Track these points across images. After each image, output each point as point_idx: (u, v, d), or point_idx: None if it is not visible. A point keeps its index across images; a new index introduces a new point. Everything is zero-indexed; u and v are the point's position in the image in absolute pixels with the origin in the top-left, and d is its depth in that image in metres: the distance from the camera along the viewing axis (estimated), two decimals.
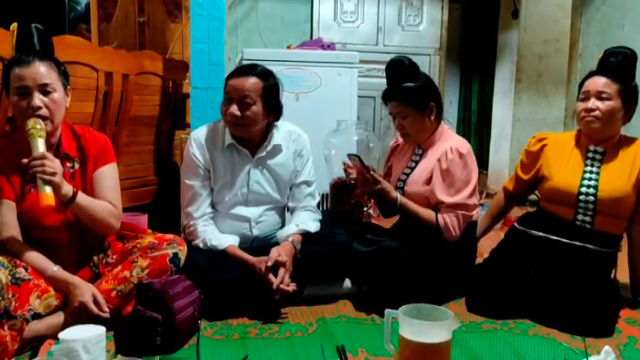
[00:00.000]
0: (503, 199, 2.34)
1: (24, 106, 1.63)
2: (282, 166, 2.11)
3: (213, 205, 2.08)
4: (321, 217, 2.19)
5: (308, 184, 2.19)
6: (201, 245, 1.98)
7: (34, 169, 1.54)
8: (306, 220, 2.09)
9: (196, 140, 2.06)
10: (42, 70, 1.64)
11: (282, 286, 1.84)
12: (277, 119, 2.09)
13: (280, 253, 1.89)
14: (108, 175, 1.82)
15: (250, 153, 2.07)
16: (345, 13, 5.19)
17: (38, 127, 1.60)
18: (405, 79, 2.05)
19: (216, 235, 2.00)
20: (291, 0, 5.04)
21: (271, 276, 1.85)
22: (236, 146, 2.05)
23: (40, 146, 1.58)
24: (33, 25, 1.69)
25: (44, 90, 1.64)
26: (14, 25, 1.67)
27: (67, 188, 1.63)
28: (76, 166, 1.78)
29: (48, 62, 1.68)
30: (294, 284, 1.87)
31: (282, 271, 1.86)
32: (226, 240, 1.99)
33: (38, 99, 1.62)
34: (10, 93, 1.66)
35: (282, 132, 2.12)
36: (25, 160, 1.56)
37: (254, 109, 1.96)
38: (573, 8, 4.57)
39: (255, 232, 2.09)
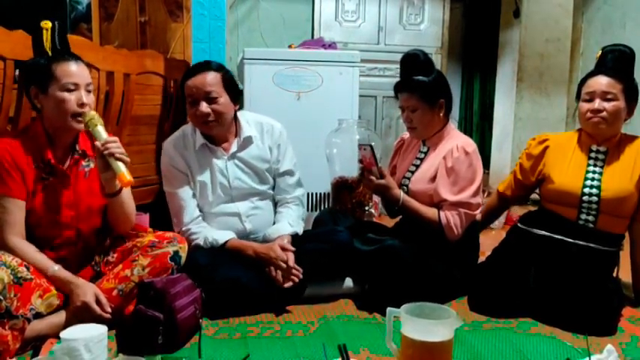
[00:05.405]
0: (496, 202, 2.33)
1: (73, 101, 1.67)
2: (258, 158, 2.13)
3: (199, 207, 2.10)
4: (304, 215, 2.23)
5: (291, 173, 2.20)
6: (201, 243, 1.99)
7: (111, 149, 1.64)
8: (296, 221, 2.13)
9: (168, 148, 2.09)
10: (86, 71, 1.73)
11: (294, 270, 1.88)
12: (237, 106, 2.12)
13: (285, 241, 1.95)
14: None
15: (223, 150, 2.09)
16: (347, 13, 5.18)
17: (96, 117, 1.70)
18: (418, 72, 2.05)
19: (214, 232, 2.02)
20: None
21: (287, 257, 1.90)
22: (209, 146, 2.07)
23: (104, 132, 1.69)
24: (56, 21, 1.71)
25: (87, 89, 1.72)
26: (48, 23, 1.68)
27: None
28: (91, 165, 1.80)
29: (85, 63, 1.74)
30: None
31: (290, 255, 1.90)
32: (225, 234, 2.01)
33: (86, 96, 1.70)
34: (53, 88, 1.66)
35: (252, 124, 2.15)
36: (99, 143, 1.65)
37: (221, 102, 1.99)
38: (575, 7, 4.56)
39: (248, 225, 2.09)
